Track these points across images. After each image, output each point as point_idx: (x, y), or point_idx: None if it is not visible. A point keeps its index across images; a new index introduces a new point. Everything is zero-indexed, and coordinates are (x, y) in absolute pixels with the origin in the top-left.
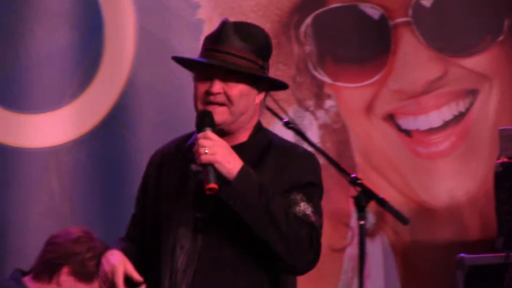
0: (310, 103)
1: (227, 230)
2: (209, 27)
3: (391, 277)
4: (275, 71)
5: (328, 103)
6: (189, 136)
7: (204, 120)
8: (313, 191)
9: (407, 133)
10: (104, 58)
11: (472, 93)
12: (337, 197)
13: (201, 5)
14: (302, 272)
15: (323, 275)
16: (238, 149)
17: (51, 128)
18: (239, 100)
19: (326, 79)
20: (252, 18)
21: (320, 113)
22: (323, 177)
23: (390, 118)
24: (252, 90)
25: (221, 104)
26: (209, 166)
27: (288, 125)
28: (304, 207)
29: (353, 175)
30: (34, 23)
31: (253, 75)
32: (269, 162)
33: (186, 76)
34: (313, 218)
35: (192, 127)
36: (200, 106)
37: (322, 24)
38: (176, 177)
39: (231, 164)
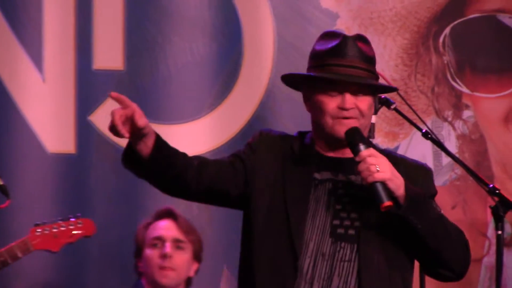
0: (448, 113)
1: (375, 236)
2: None
3: None
4: (415, 81)
5: (466, 113)
6: (299, 137)
7: (356, 137)
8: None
9: None
10: (243, 69)
11: None
12: (475, 207)
13: (340, 15)
14: (461, 278)
15: (460, 284)
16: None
17: (189, 139)
18: (369, 112)
19: (464, 89)
20: (390, 29)
21: (458, 124)
22: (461, 187)
23: None
24: (374, 101)
25: (352, 118)
26: (379, 183)
27: (426, 135)
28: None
29: (491, 185)
30: (173, 34)
31: (380, 88)
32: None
33: None
34: None
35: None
36: (330, 121)
37: (461, 34)
38: (300, 182)
39: (399, 179)
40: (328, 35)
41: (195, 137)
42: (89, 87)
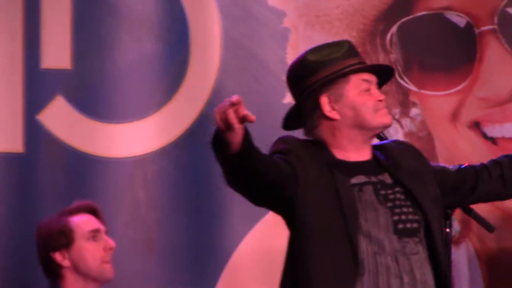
0: (396, 111)
1: (430, 225)
2: (295, 36)
3: (476, 285)
4: None
5: (414, 111)
6: (317, 145)
7: None
8: None
9: (493, 141)
10: (190, 67)
11: None
12: None
13: (286, 13)
14: None
15: None
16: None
17: (136, 138)
18: None
19: (411, 87)
20: (337, 27)
21: (406, 121)
22: None
23: (476, 126)
24: None
25: None
26: None
27: None
28: None
29: None
30: (122, 32)
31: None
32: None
33: (271, 85)
34: None
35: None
36: (374, 114)
37: (408, 32)
38: (346, 187)
39: None
40: (323, 47)
41: (143, 136)
42: (37, 86)
